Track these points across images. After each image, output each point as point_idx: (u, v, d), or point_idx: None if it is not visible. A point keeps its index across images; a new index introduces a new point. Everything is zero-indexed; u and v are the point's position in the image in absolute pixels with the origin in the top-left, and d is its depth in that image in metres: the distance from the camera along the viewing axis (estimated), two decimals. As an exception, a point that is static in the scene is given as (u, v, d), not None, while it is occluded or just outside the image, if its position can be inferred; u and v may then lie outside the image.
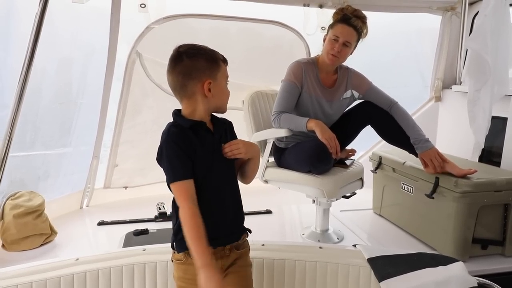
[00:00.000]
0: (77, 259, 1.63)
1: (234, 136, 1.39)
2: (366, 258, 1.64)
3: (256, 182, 2.29)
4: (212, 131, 1.31)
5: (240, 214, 1.40)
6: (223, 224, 1.32)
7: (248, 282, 1.39)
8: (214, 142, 1.29)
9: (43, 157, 2.49)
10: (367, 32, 2.14)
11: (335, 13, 2.14)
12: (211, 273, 1.12)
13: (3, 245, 2.15)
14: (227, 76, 1.31)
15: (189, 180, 1.21)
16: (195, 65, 1.23)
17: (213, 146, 1.29)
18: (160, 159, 1.25)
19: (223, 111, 1.34)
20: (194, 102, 1.26)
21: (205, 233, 1.16)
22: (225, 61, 1.30)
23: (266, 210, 2.77)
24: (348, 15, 2.07)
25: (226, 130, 1.37)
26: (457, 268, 1.55)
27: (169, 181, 1.22)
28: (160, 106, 2.84)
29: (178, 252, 1.30)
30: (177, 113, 1.29)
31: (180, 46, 1.27)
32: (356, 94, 2.26)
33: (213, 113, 1.34)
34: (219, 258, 1.30)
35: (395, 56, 3.66)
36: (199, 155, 1.24)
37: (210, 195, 1.28)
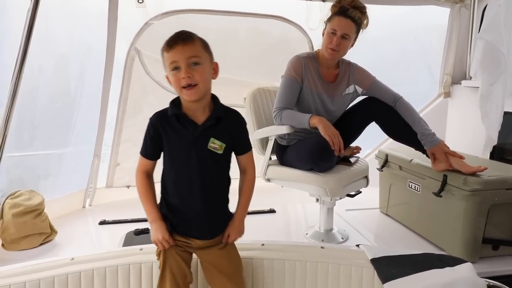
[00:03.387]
0: (72, 259, 1.60)
1: (238, 132, 1.40)
2: (370, 259, 1.59)
3: (259, 180, 2.25)
4: (196, 122, 1.33)
5: (213, 216, 1.41)
6: (186, 216, 1.38)
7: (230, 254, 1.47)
8: (196, 132, 1.32)
9: (43, 156, 2.49)
10: (367, 22, 2.07)
11: (332, 6, 2.08)
12: (157, 225, 1.36)
13: (2, 245, 2.14)
14: (171, 62, 1.27)
15: (147, 159, 1.39)
16: None
17: (193, 136, 1.32)
18: None
19: (183, 98, 1.32)
20: None
21: (153, 197, 1.39)
22: (167, 46, 1.27)
23: (270, 209, 2.72)
24: (346, 7, 2.01)
25: (221, 119, 1.35)
26: (465, 270, 1.48)
27: (140, 151, 1.42)
28: (161, 103, 2.72)
29: None
30: (174, 100, 1.37)
31: None
32: (359, 89, 2.19)
33: (219, 101, 1.39)
34: (186, 246, 1.42)
35: (402, 53, 3.59)
36: (171, 143, 1.34)
37: (178, 184, 1.36)
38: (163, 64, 1.32)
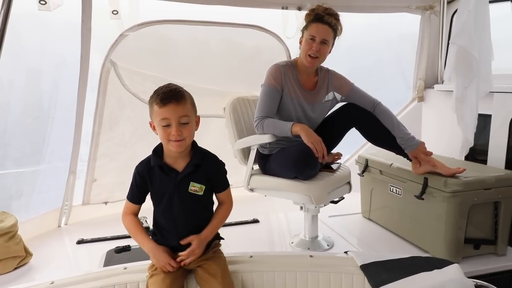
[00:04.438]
0: (52, 283, 1.54)
1: (215, 174, 1.54)
2: (359, 265, 1.59)
3: (242, 191, 2.24)
4: (177, 170, 1.48)
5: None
6: (172, 242, 1.52)
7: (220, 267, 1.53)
8: (177, 179, 1.48)
9: (15, 175, 2.37)
10: (341, 29, 2.11)
11: (306, 15, 2.11)
12: (156, 252, 1.47)
13: (-27, 271, 2.01)
14: (162, 119, 1.39)
15: (134, 204, 1.54)
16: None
17: (174, 182, 1.48)
18: None
19: (175, 154, 1.46)
20: None
21: (140, 231, 1.51)
22: (160, 102, 1.38)
23: (253, 219, 2.69)
24: (321, 14, 2.04)
25: (199, 166, 1.49)
26: (453, 271, 1.50)
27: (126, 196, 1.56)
28: (138, 116, 2.74)
29: None
30: (156, 149, 1.51)
31: None
32: (338, 96, 2.22)
33: (198, 147, 1.53)
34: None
35: (376, 60, 3.67)
36: (156, 189, 1.50)
37: (165, 218, 1.52)
38: (150, 112, 1.44)
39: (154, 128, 1.46)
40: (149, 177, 1.50)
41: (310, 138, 1.93)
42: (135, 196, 1.53)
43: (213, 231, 1.54)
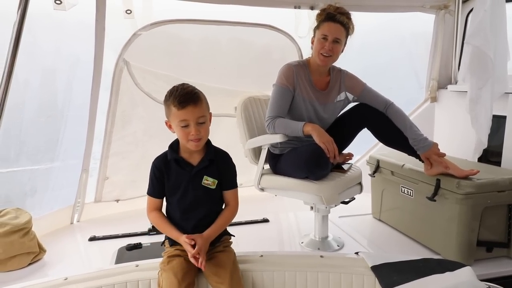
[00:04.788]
0: (65, 279, 1.56)
1: (227, 170, 1.61)
2: (370, 266, 1.58)
3: (252, 190, 2.25)
4: (192, 164, 1.56)
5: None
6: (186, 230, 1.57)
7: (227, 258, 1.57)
8: (192, 172, 1.56)
9: (30, 172, 2.41)
10: (353, 28, 2.10)
11: (318, 14, 2.10)
12: (183, 240, 1.49)
13: (-12, 266, 2.05)
14: (181, 120, 1.47)
15: (155, 198, 1.60)
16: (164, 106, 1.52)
17: (189, 176, 1.56)
18: None
19: (191, 149, 1.54)
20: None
21: (168, 224, 1.57)
22: (178, 104, 1.45)
23: (263, 219, 2.70)
24: (332, 13, 2.04)
25: (213, 161, 1.57)
26: (466, 274, 1.48)
27: (147, 191, 1.62)
28: (150, 115, 2.76)
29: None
30: (172, 144, 1.59)
31: None
32: (350, 96, 2.21)
33: (211, 144, 1.60)
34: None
35: (389, 59, 3.64)
36: (172, 181, 1.57)
37: (179, 211, 1.58)
38: (167, 113, 1.51)
39: (170, 127, 1.53)
40: (166, 170, 1.57)
41: (321, 138, 1.93)
42: (156, 190, 1.59)
43: (217, 231, 1.57)
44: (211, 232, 1.55)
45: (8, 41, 1.81)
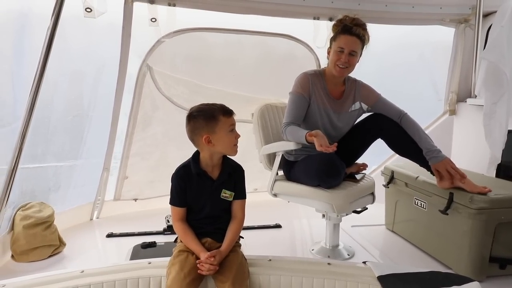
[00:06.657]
0: (82, 271, 1.63)
1: (239, 181, 1.72)
2: (376, 276, 1.60)
3: (266, 195, 2.29)
4: (212, 178, 1.67)
5: (221, 228, 1.71)
6: (205, 230, 1.70)
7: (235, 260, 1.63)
8: (213, 187, 1.67)
9: (54, 169, 2.52)
10: (369, 38, 2.13)
11: (334, 25, 2.14)
12: (204, 254, 1.57)
13: (12, 256, 2.16)
14: (231, 125, 1.62)
15: (179, 207, 1.68)
16: (196, 125, 1.61)
17: (210, 189, 1.67)
18: None
19: (231, 154, 1.68)
20: (202, 150, 1.66)
21: (192, 237, 1.65)
22: (227, 113, 1.61)
23: (276, 224, 2.73)
24: (349, 25, 2.07)
25: (231, 175, 1.69)
26: (472, 289, 1.48)
27: (169, 202, 1.70)
28: (170, 118, 2.85)
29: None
30: (194, 157, 1.69)
31: (191, 108, 1.65)
32: (364, 106, 2.23)
33: (228, 158, 1.71)
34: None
35: (407, 69, 3.62)
36: (193, 193, 1.67)
37: (200, 216, 1.69)
38: (212, 126, 1.59)
39: (208, 142, 1.60)
40: (188, 181, 1.66)
41: (319, 141, 1.85)
42: (181, 199, 1.67)
43: (230, 245, 1.66)
44: (226, 247, 1.64)
45: (41, 45, 1.92)
